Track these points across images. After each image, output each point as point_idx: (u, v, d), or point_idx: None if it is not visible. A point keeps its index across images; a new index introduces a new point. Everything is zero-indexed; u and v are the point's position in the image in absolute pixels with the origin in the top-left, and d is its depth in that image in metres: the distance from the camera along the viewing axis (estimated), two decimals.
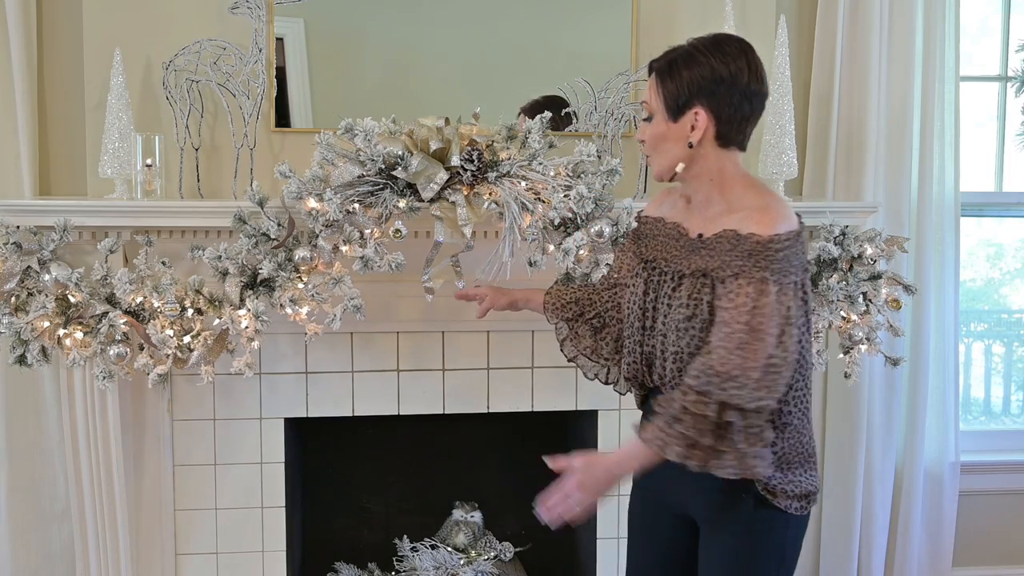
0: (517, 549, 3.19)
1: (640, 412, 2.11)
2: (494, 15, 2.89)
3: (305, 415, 2.83)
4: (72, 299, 2.44)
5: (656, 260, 1.99)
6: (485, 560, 3.09)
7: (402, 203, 2.36)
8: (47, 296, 2.45)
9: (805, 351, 1.87)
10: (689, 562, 2.04)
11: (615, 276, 2.18)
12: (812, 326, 1.93)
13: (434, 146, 2.35)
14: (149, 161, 2.63)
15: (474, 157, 2.34)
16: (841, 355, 2.78)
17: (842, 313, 2.73)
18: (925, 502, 3.36)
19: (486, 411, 2.91)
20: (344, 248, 2.40)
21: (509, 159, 2.39)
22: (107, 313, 2.42)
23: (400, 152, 2.34)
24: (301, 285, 2.44)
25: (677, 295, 1.89)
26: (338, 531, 3.21)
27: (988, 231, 3.68)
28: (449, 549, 3.10)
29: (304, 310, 2.45)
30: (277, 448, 2.83)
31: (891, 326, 2.80)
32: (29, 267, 2.46)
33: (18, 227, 2.49)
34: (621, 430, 2.92)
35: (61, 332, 2.45)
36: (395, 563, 3.12)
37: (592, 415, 2.96)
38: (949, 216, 3.28)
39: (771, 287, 1.77)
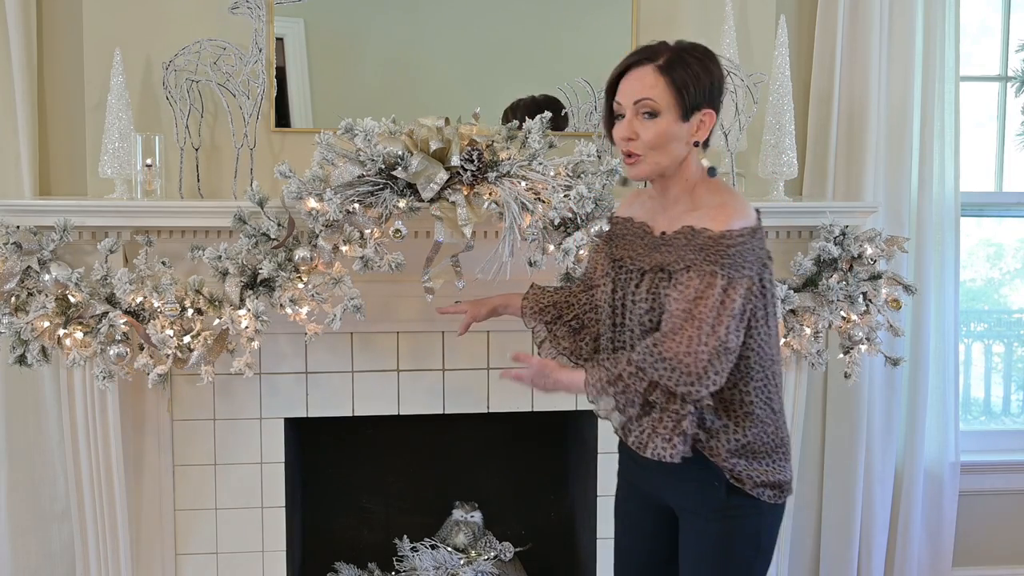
0: (517, 549, 3.19)
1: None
2: (494, 15, 2.89)
3: (305, 415, 2.83)
4: (72, 299, 2.44)
5: (623, 259, 2.05)
6: (485, 560, 3.09)
7: (402, 203, 2.36)
8: (47, 296, 2.45)
9: (765, 344, 1.95)
10: (672, 552, 2.10)
11: (591, 278, 2.22)
12: (775, 319, 1.99)
13: (434, 146, 2.35)
14: (149, 161, 2.62)
15: (474, 157, 2.34)
16: (841, 355, 2.78)
17: (842, 313, 2.73)
18: (925, 502, 3.36)
19: (486, 411, 2.91)
20: (344, 248, 2.40)
21: (509, 159, 2.39)
22: (107, 313, 2.42)
23: (400, 152, 2.34)
24: (301, 285, 2.44)
25: (639, 291, 1.97)
26: (338, 531, 3.21)
27: (988, 231, 3.68)
28: (449, 549, 3.10)
29: (304, 310, 2.45)
30: (277, 448, 2.83)
31: (891, 326, 2.80)
32: (29, 267, 2.46)
33: (18, 227, 2.49)
34: None
35: (61, 332, 2.45)
36: (395, 563, 3.12)
37: (592, 415, 2.94)
38: (949, 216, 3.28)
39: (719, 280, 1.84)
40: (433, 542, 3.13)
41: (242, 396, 2.78)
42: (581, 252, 2.35)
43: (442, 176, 2.33)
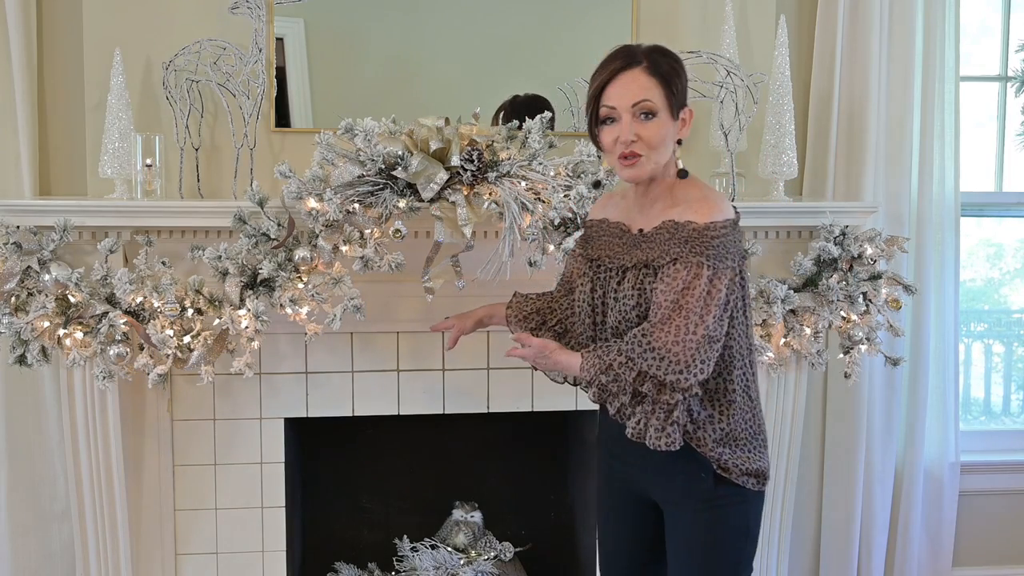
0: (517, 549, 3.19)
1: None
2: (494, 15, 2.89)
3: (305, 415, 2.83)
4: (72, 299, 2.45)
5: (601, 258, 2.09)
6: (485, 560, 3.09)
7: (402, 203, 2.36)
8: (47, 296, 2.45)
9: (744, 334, 2.00)
10: (656, 543, 2.13)
11: (569, 281, 2.24)
12: (750, 310, 2.05)
13: (434, 146, 2.35)
14: (149, 161, 2.63)
15: (474, 157, 2.34)
16: (841, 355, 2.78)
17: (842, 313, 2.73)
18: (925, 502, 3.36)
19: (486, 411, 2.91)
20: (344, 248, 2.41)
21: (509, 159, 2.39)
22: (107, 313, 2.42)
23: (400, 152, 2.34)
24: (301, 285, 2.44)
25: (622, 288, 2.01)
26: (338, 531, 3.21)
27: (988, 231, 3.68)
28: (449, 549, 3.10)
29: (304, 310, 2.45)
30: (277, 448, 2.83)
31: (891, 326, 2.80)
32: (29, 267, 2.46)
33: (18, 227, 2.49)
34: None
35: (61, 332, 2.45)
36: (395, 563, 3.12)
37: (592, 415, 2.94)
38: (949, 216, 3.28)
39: (705, 271, 1.90)
40: (433, 542, 3.13)
41: (242, 396, 2.78)
42: None
43: (442, 176, 2.33)
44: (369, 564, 3.13)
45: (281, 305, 2.44)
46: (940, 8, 3.19)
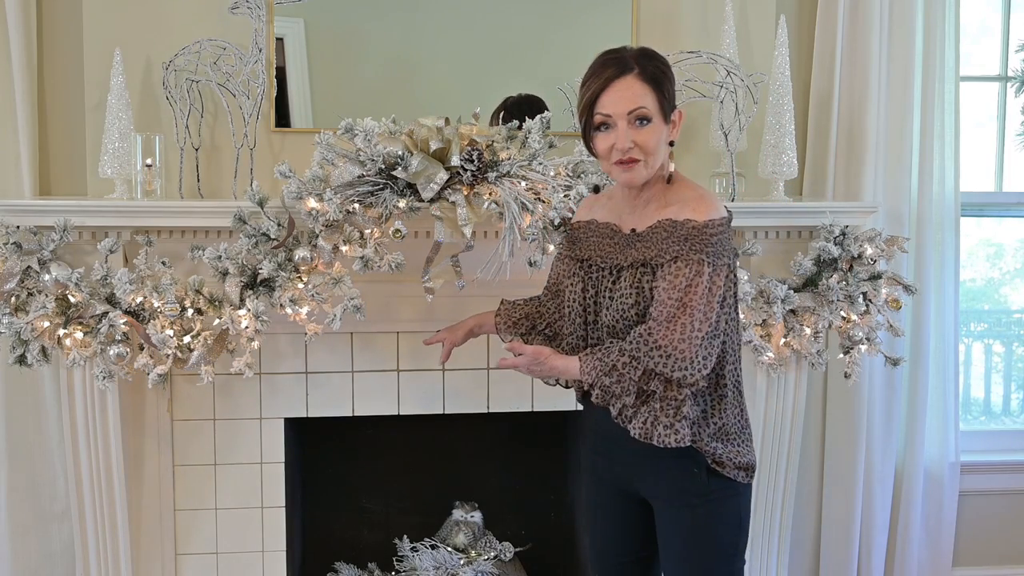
0: (517, 549, 3.19)
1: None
2: (494, 15, 2.89)
3: (305, 415, 2.83)
4: (72, 299, 2.44)
5: (591, 258, 2.10)
6: (485, 560, 3.09)
7: (402, 203, 2.36)
8: (47, 296, 2.45)
9: (734, 330, 2.05)
10: (646, 540, 2.15)
11: (556, 284, 2.25)
12: (738, 306, 2.10)
13: (434, 146, 2.35)
14: (149, 161, 2.63)
15: (474, 157, 2.34)
16: (841, 355, 2.78)
17: (842, 313, 2.73)
18: (925, 502, 3.36)
19: (486, 411, 2.91)
20: (344, 248, 2.41)
21: (509, 159, 2.39)
22: (107, 313, 2.42)
23: (400, 152, 2.34)
24: (301, 285, 2.44)
25: (618, 287, 2.03)
26: (338, 531, 3.21)
27: (988, 231, 3.68)
28: (449, 549, 3.10)
29: (304, 310, 2.45)
30: (277, 448, 2.83)
31: (891, 326, 2.80)
32: (29, 267, 2.46)
33: (18, 227, 2.49)
34: None
35: (61, 332, 2.45)
36: (395, 563, 3.12)
37: None
38: (949, 216, 3.28)
39: (705, 268, 1.93)
40: (433, 542, 3.13)
41: (242, 396, 2.78)
42: None
43: (442, 176, 2.33)
44: (369, 564, 3.13)
45: (281, 305, 2.44)
46: (940, 8, 3.19)
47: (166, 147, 2.69)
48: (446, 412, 2.90)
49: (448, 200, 2.36)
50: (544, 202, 2.36)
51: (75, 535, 2.70)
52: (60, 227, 2.45)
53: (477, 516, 3.16)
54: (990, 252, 3.71)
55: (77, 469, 2.65)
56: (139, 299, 2.45)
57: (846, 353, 2.77)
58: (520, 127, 2.48)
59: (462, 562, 3.07)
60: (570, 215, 2.34)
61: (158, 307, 2.43)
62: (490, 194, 2.35)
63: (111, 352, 2.43)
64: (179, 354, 2.46)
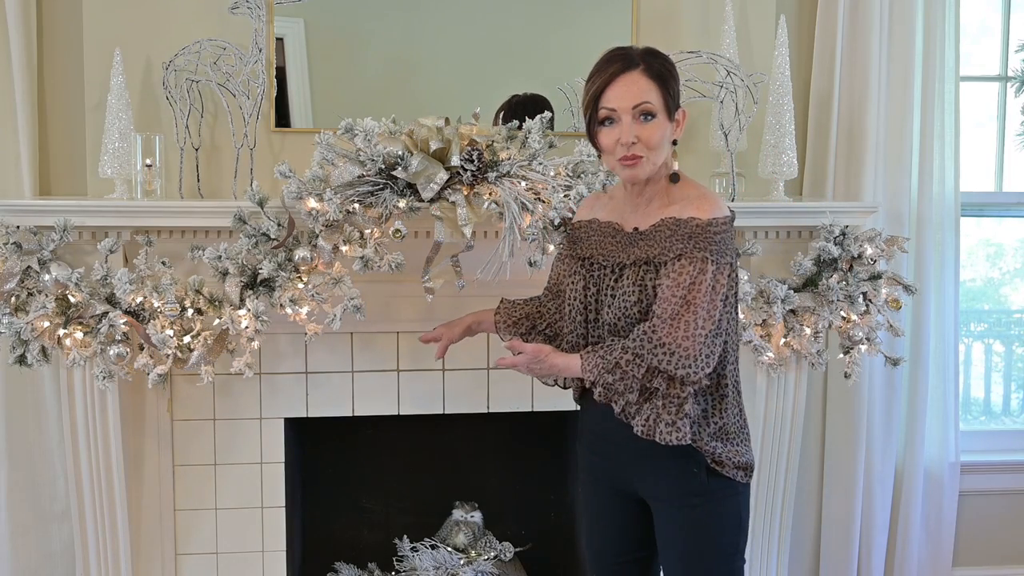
0: (517, 549, 3.19)
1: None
2: (494, 15, 2.89)
3: (305, 415, 2.83)
4: (72, 299, 2.44)
5: (593, 256, 2.11)
6: (485, 560, 3.09)
7: (402, 203, 2.36)
8: (47, 296, 2.45)
9: (734, 330, 2.05)
10: (644, 540, 2.15)
11: (557, 284, 2.26)
12: (738, 305, 2.10)
13: (434, 146, 2.35)
14: (149, 161, 2.63)
15: (474, 157, 2.34)
16: (841, 355, 2.78)
17: (842, 313, 2.73)
18: (925, 502, 3.36)
19: (486, 411, 2.91)
20: (344, 248, 2.41)
21: (509, 159, 2.39)
22: (107, 313, 2.42)
23: (400, 152, 2.34)
24: (301, 285, 2.44)
25: (620, 285, 2.03)
26: (338, 531, 3.21)
27: (988, 231, 3.68)
28: (449, 549, 3.10)
29: (304, 310, 2.45)
30: (277, 448, 2.83)
31: (891, 326, 2.80)
32: (29, 267, 2.46)
33: (18, 227, 2.49)
34: None
35: (61, 332, 2.45)
36: (395, 563, 3.12)
37: None
38: (949, 216, 3.28)
39: (709, 266, 1.94)
40: (433, 542, 3.13)
41: (242, 396, 2.78)
42: None
43: (442, 176, 2.33)
44: (369, 564, 3.13)
45: (281, 305, 2.44)
46: (940, 8, 3.19)
47: (166, 147, 2.69)
48: (446, 412, 2.90)
49: (448, 200, 2.36)
50: (544, 202, 2.36)
51: (75, 535, 2.70)
52: (60, 227, 2.45)
53: (477, 516, 3.16)
54: (990, 252, 3.71)
55: (77, 469, 2.65)
56: (139, 299, 2.45)
57: (846, 353, 2.77)
58: (520, 127, 2.48)
59: (462, 562, 3.07)
60: (570, 215, 2.34)
61: (158, 307, 2.43)
62: (490, 194, 2.35)
63: (111, 352, 2.43)
64: (179, 354, 2.46)
